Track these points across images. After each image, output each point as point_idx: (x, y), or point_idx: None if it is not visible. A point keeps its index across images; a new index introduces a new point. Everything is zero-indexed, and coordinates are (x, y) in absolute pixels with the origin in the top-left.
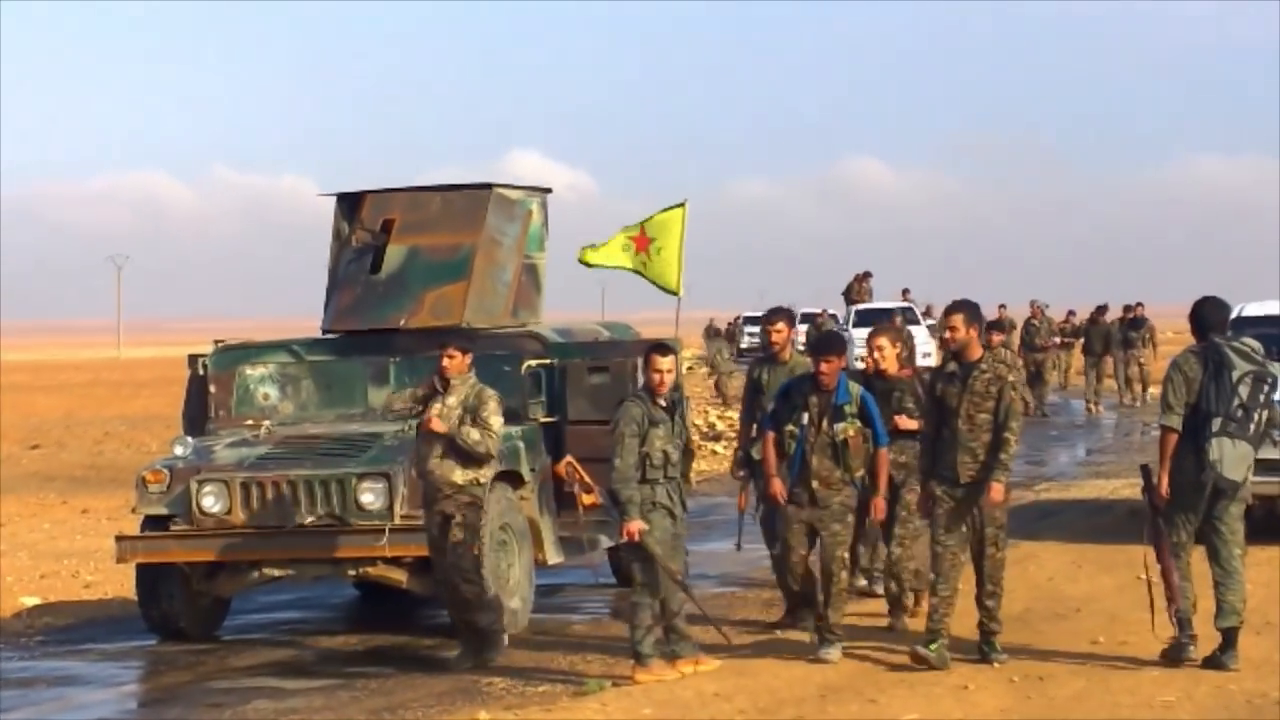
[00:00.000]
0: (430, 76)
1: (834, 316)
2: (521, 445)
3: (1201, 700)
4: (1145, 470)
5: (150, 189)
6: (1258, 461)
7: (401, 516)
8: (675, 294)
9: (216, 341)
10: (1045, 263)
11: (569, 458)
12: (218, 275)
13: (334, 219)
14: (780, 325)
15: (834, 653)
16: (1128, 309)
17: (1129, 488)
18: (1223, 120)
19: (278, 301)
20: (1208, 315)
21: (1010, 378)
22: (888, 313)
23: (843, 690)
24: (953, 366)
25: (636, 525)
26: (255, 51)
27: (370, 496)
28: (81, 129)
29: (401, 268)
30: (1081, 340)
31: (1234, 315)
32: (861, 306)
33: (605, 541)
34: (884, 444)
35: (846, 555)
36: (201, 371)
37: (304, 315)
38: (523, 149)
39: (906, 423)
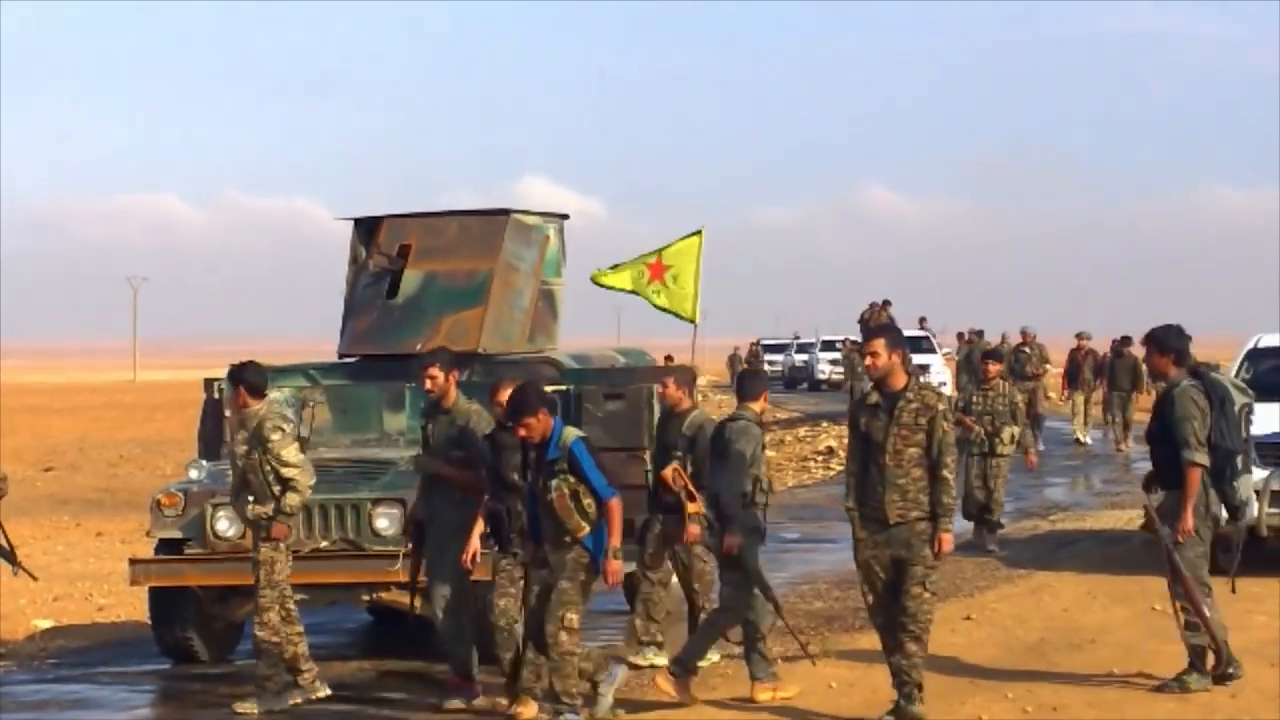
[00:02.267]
0: (439, 103)
1: (856, 344)
2: None
3: None
4: (1157, 512)
5: (162, 210)
6: (1276, 494)
7: None
8: (691, 321)
9: (232, 365)
10: (1062, 290)
11: (675, 464)
12: (231, 297)
13: (351, 244)
14: (435, 371)
15: None
16: None
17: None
18: (1242, 150)
19: (291, 324)
20: (1179, 343)
21: (942, 407)
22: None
23: (860, 718)
24: (875, 397)
25: (737, 540)
26: (263, 75)
27: (385, 522)
28: (94, 149)
29: (418, 293)
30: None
31: (1250, 346)
32: None
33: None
34: (606, 496)
35: (573, 617)
36: (217, 395)
37: (319, 338)
38: (533, 175)
39: None
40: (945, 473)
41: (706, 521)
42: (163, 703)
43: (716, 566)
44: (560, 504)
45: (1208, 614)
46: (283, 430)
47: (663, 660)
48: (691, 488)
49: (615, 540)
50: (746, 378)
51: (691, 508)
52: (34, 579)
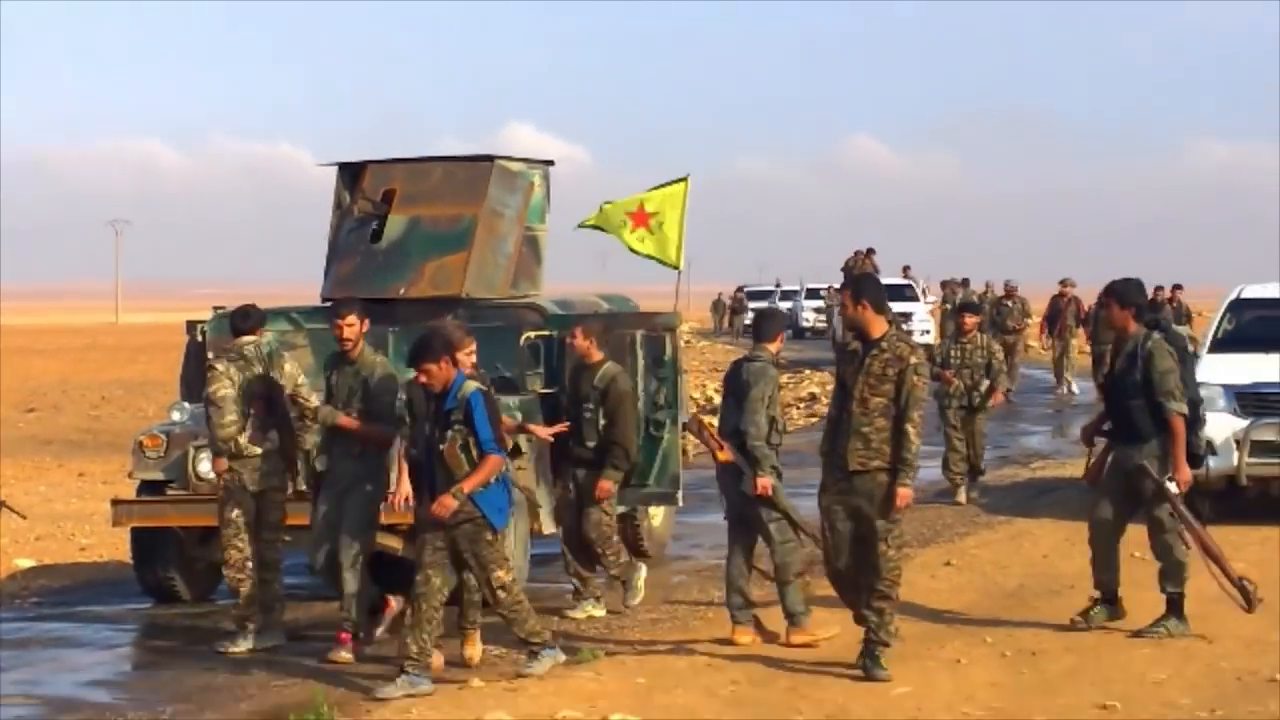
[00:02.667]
0: (425, 49)
1: (839, 292)
2: (519, 416)
3: (1193, 678)
4: (1145, 470)
5: (147, 154)
6: (1255, 443)
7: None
8: (675, 268)
9: (215, 308)
10: (1050, 242)
11: (698, 415)
12: (214, 241)
13: (335, 188)
14: (351, 319)
15: (540, 664)
16: (1158, 290)
17: None
18: (1232, 105)
19: (275, 268)
20: (1140, 298)
21: (913, 360)
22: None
23: (837, 664)
24: (855, 345)
25: (769, 481)
26: (248, 21)
27: None
28: (79, 94)
29: (402, 238)
30: (1089, 327)
31: (1233, 297)
32: None
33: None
34: (489, 451)
35: (500, 574)
36: (200, 338)
37: (303, 283)
38: (518, 121)
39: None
40: (909, 426)
41: (729, 469)
42: (144, 642)
43: (726, 509)
44: (450, 454)
45: (1215, 551)
46: (215, 369)
47: (600, 611)
48: (719, 438)
49: (466, 485)
50: (764, 318)
51: (721, 456)
52: (22, 517)
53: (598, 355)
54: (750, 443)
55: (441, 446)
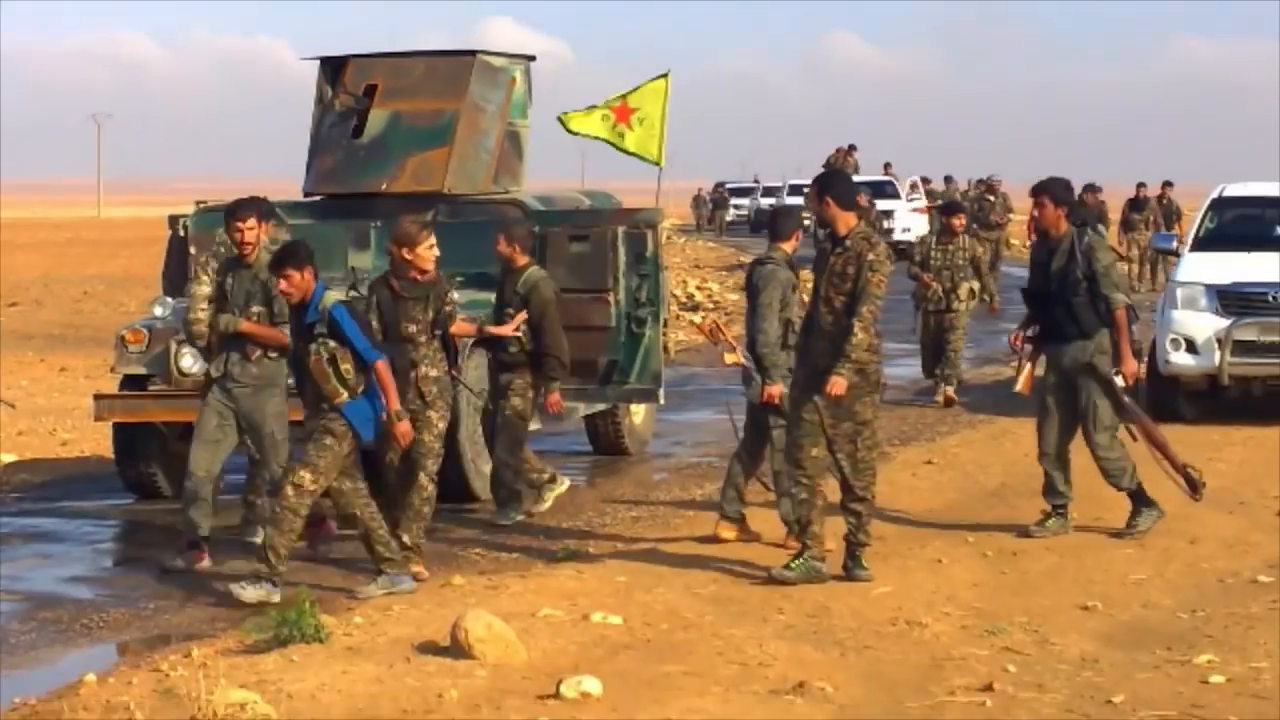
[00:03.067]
0: None
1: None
2: None
3: (1173, 578)
4: (1094, 368)
5: (128, 48)
6: (1237, 343)
7: None
8: (657, 164)
9: (198, 202)
10: (1031, 139)
11: (713, 318)
12: (197, 135)
13: (317, 83)
14: (251, 222)
15: (252, 592)
16: (1140, 187)
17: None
18: (1217, 2)
19: (256, 162)
20: (1070, 197)
21: (870, 257)
22: (868, 187)
23: None
24: (827, 243)
25: (778, 389)
26: None
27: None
28: None
29: (384, 133)
30: None
31: (1215, 195)
32: None
33: (582, 409)
34: (372, 359)
35: (305, 475)
36: (182, 232)
37: (284, 177)
38: (497, 16)
39: (463, 327)
40: (855, 320)
41: (745, 371)
42: (126, 537)
43: (743, 416)
44: (317, 368)
45: (1160, 440)
46: (198, 263)
47: (564, 484)
48: (731, 339)
49: (392, 403)
50: (779, 216)
51: (729, 359)
52: (11, 406)
53: (522, 260)
54: (759, 349)
55: (308, 361)
